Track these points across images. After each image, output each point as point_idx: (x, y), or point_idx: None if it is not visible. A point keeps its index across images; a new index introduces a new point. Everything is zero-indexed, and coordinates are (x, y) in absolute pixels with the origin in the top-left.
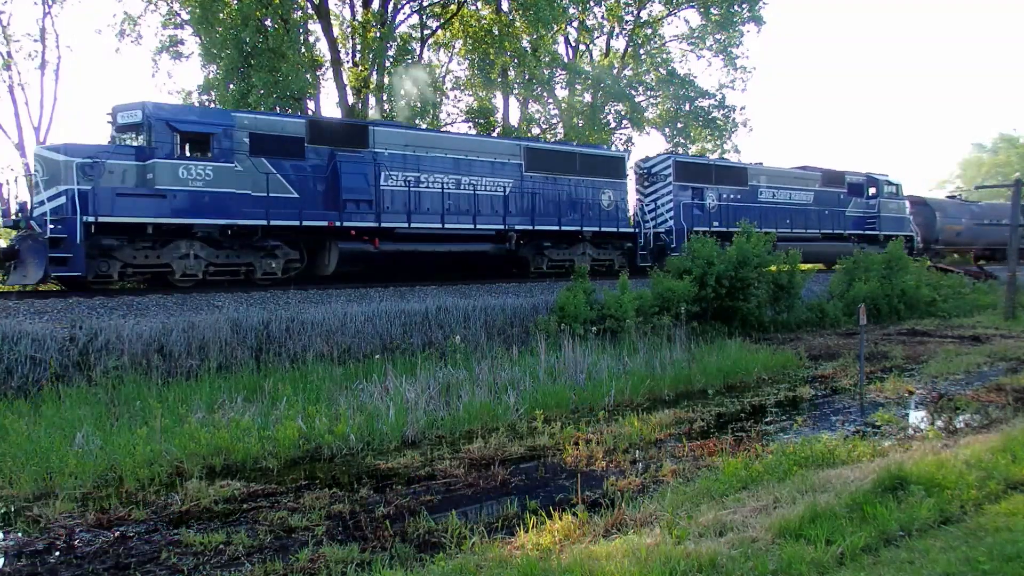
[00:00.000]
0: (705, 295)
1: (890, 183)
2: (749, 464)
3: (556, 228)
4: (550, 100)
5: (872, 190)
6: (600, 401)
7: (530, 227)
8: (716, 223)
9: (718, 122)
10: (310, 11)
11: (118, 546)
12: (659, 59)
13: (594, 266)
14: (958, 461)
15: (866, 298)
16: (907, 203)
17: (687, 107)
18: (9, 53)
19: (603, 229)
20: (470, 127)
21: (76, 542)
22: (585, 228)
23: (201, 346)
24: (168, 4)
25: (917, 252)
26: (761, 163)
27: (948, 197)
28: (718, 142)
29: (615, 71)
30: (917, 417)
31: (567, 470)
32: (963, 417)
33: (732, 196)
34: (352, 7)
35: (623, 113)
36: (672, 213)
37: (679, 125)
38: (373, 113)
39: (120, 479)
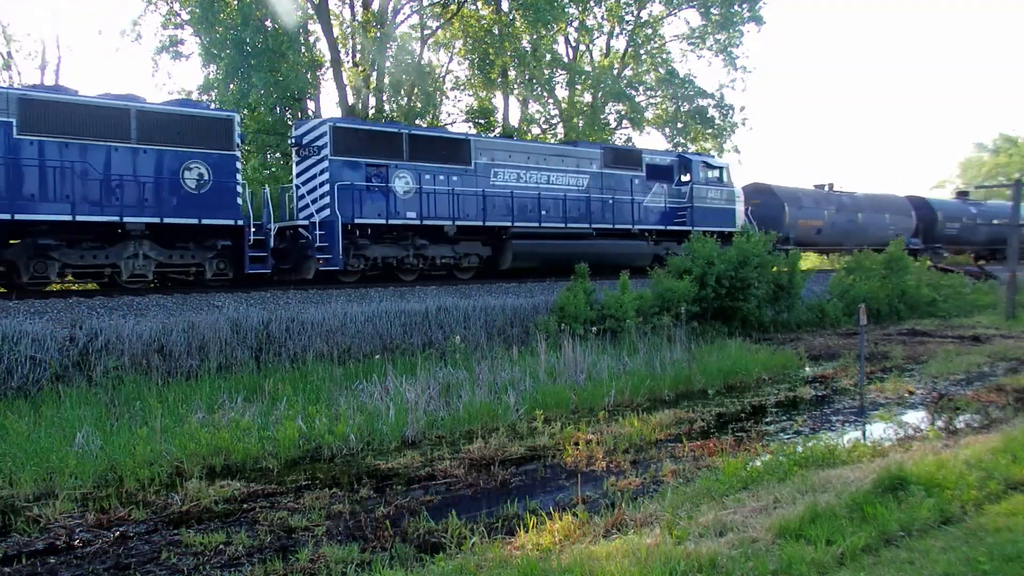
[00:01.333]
0: (705, 295)
1: (710, 165)
2: (749, 464)
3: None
4: (550, 100)
5: (684, 175)
6: (600, 401)
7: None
8: (411, 213)
9: (717, 122)
10: (310, 11)
11: (118, 546)
12: (659, 59)
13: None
14: (958, 461)
15: (866, 298)
16: (739, 191)
17: (686, 107)
18: (9, 53)
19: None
20: (470, 127)
21: (76, 542)
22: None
23: (201, 346)
24: (168, 4)
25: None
26: (510, 137)
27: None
28: (717, 141)
29: (615, 71)
30: (917, 417)
31: (567, 470)
32: (963, 417)
33: (443, 178)
34: (352, 7)
35: (623, 113)
36: (328, 200)
37: (679, 125)
38: (373, 113)
39: (120, 479)
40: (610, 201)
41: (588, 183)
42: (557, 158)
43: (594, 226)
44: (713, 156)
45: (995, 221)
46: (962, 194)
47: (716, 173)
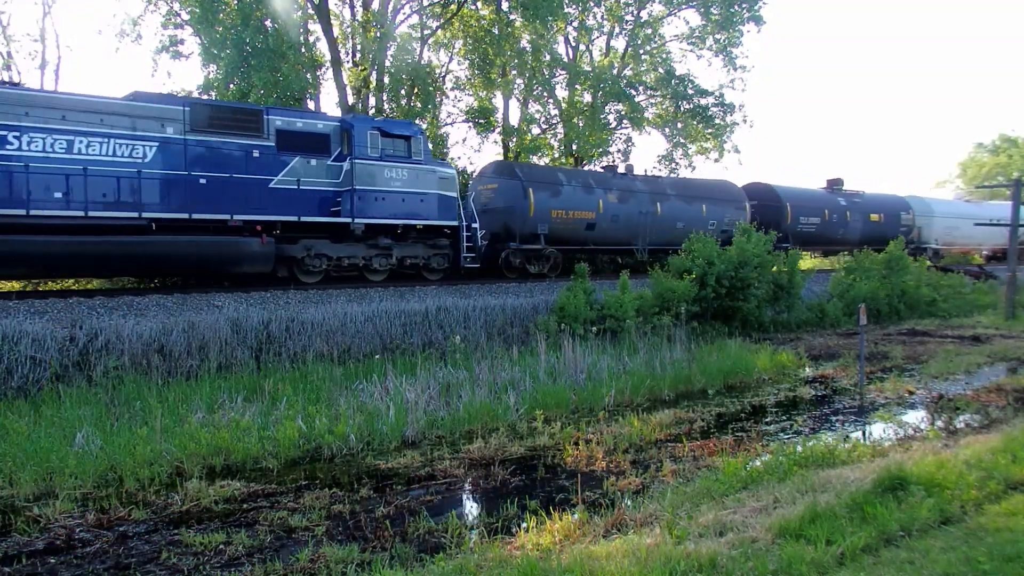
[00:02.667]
0: (705, 295)
1: (388, 133)
2: (749, 464)
3: None
4: (550, 100)
5: (341, 146)
6: (600, 401)
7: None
8: None
9: (717, 121)
10: (310, 11)
11: (118, 546)
12: (659, 59)
13: None
14: (958, 461)
15: (866, 298)
16: (447, 172)
17: (686, 106)
18: (9, 53)
19: None
20: (469, 127)
21: (76, 542)
22: None
23: (201, 346)
24: (168, 4)
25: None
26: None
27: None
28: (717, 140)
29: (615, 71)
30: (917, 417)
31: (567, 470)
32: (963, 417)
33: None
34: (352, 7)
35: (623, 113)
36: None
37: (679, 125)
38: (372, 113)
39: (120, 479)
40: (201, 181)
41: (155, 154)
42: (111, 118)
43: (153, 215)
44: (407, 122)
45: (874, 217)
46: (833, 183)
47: (401, 146)
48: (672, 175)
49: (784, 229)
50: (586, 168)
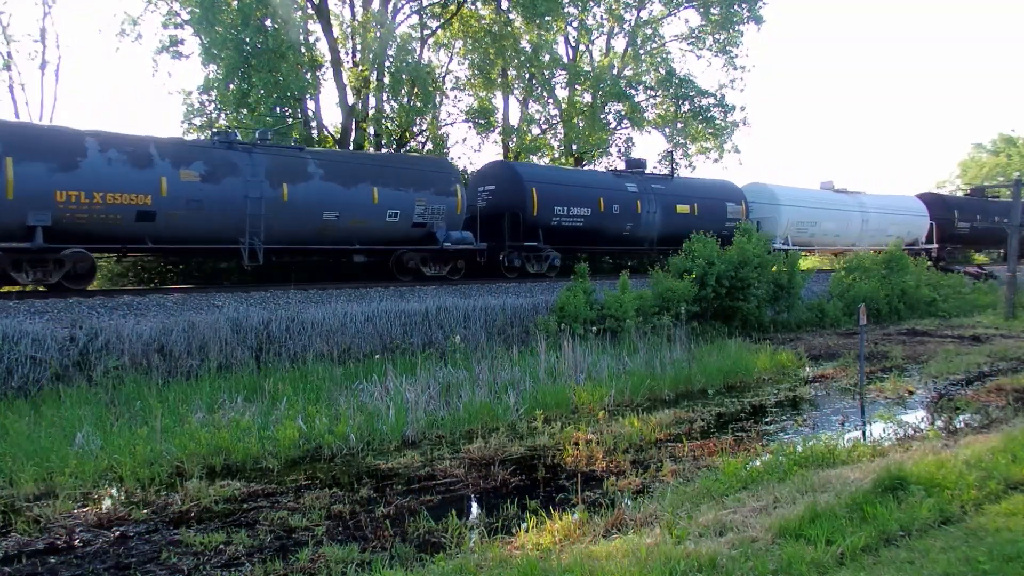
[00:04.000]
0: (705, 295)
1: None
2: (749, 464)
3: None
4: (550, 100)
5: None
6: (600, 401)
7: None
8: None
9: (717, 121)
10: (310, 11)
11: (118, 546)
12: (659, 59)
13: None
14: (958, 461)
15: (866, 298)
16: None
17: (686, 106)
18: (9, 53)
19: None
20: (469, 127)
21: (76, 542)
22: None
23: (201, 346)
24: (168, 4)
25: None
26: None
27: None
28: (717, 141)
29: (615, 71)
30: (917, 417)
31: (567, 470)
32: (963, 417)
33: None
34: (352, 7)
35: (623, 113)
36: None
37: (679, 125)
38: (373, 113)
39: (120, 479)
40: None
41: None
42: None
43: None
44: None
45: (682, 208)
46: (634, 164)
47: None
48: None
49: (529, 222)
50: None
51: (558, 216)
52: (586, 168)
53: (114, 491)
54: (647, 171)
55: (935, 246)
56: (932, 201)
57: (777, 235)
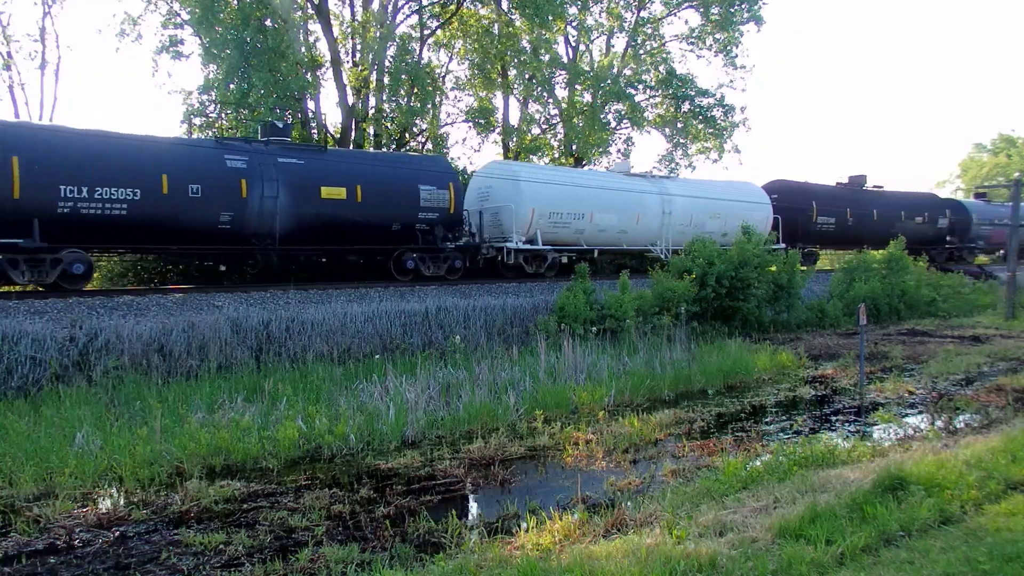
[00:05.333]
0: (705, 295)
1: None
2: (749, 464)
3: None
4: (550, 100)
5: None
6: (600, 401)
7: None
8: None
9: (717, 121)
10: (310, 11)
11: (118, 546)
12: (659, 59)
13: None
14: (958, 461)
15: (866, 298)
16: None
17: (686, 106)
18: (9, 53)
19: None
20: (469, 127)
21: (76, 542)
22: None
23: (201, 346)
24: (168, 4)
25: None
26: None
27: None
28: (718, 141)
29: (615, 71)
30: (917, 417)
31: (567, 470)
32: (963, 417)
33: None
34: (352, 7)
35: (623, 113)
36: None
37: (679, 125)
38: (373, 113)
39: (120, 479)
40: None
41: None
42: None
43: None
44: None
45: (331, 193)
46: (272, 131)
47: None
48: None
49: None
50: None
51: (71, 200)
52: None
53: (114, 491)
54: (280, 139)
55: (782, 246)
56: (780, 189)
57: (514, 230)
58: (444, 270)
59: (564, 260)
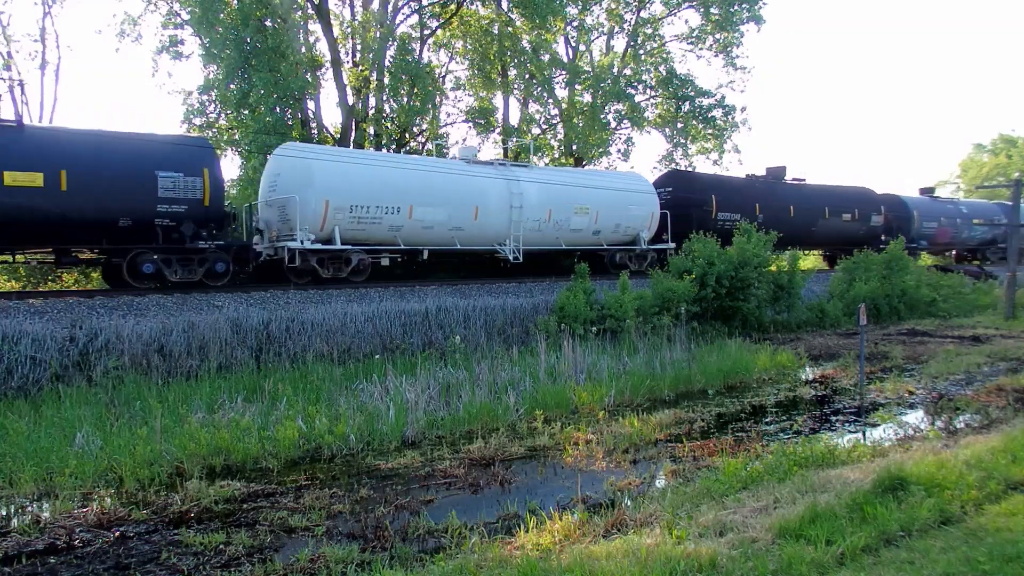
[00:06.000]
0: (705, 295)
1: None
2: (749, 464)
3: None
4: (550, 100)
5: None
6: (600, 401)
7: None
8: None
9: (718, 121)
10: (310, 11)
11: (118, 546)
12: (659, 59)
13: None
14: (958, 461)
15: (866, 298)
16: None
17: (687, 106)
18: (9, 53)
19: None
20: (469, 127)
21: (76, 542)
22: None
23: (201, 346)
24: (168, 4)
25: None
26: None
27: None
28: (718, 141)
29: (615, 71)
30: (917, 417)
31: (567, 470)
32: (963, 417)
33: None
34: (352, 7)
35: (623, 113)
36: None
37: (679, 125)
38: (373, 113)
39: (120, 479)
40: None
41: None
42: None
43: None
44: None
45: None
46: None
47: None
48: None
49: None
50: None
51: None
52: None
53: (114, 491)
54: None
55: (670, 246)
56: (674, 181)
57: (300, 226)
58: (200, 275)
59: (384, 262)
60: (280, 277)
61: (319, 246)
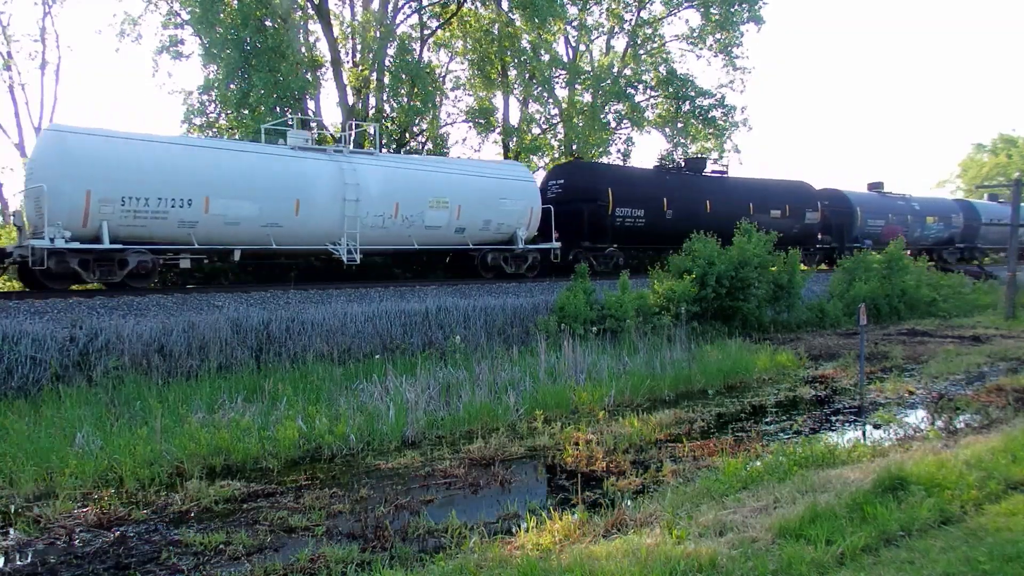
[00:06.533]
0: (705, 295)
1: None
2: (749, 464)
3: None
4: (550, 100)
5: None
6: (600, 401)
7: None
8: None
9: (718, 121)
10: (310, 11)
11: (118, 546)
12: (659, 59)
13: None
14: (958, 461)
15: (866, 298)
16: None
17: (687, 106)
18: (9, 53)
19: None
20: (469, 127)
21: (76, 542)
22: None
23: (201, 346)
24: (168, 4)
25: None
26: None
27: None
28: (718, 141)
29: (615, 71)
30: (917, 417)
31: (567, 470)
32: (963, 417)
33: None
34: (352, 7)
35: (623, 113)
36: None
37: (679, 125)
38: (373, 113)
39: (120, 479)
40: None
41: None
42: None
43: None
44: None
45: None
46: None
47: None
48: None
49: None
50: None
51: None
52: None
53: (114, 491)
54: None
55: (556, 245)
56: (566, 172)
57: (50, 221)
58: None
59: (184, 264)
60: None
61: (79, 245)
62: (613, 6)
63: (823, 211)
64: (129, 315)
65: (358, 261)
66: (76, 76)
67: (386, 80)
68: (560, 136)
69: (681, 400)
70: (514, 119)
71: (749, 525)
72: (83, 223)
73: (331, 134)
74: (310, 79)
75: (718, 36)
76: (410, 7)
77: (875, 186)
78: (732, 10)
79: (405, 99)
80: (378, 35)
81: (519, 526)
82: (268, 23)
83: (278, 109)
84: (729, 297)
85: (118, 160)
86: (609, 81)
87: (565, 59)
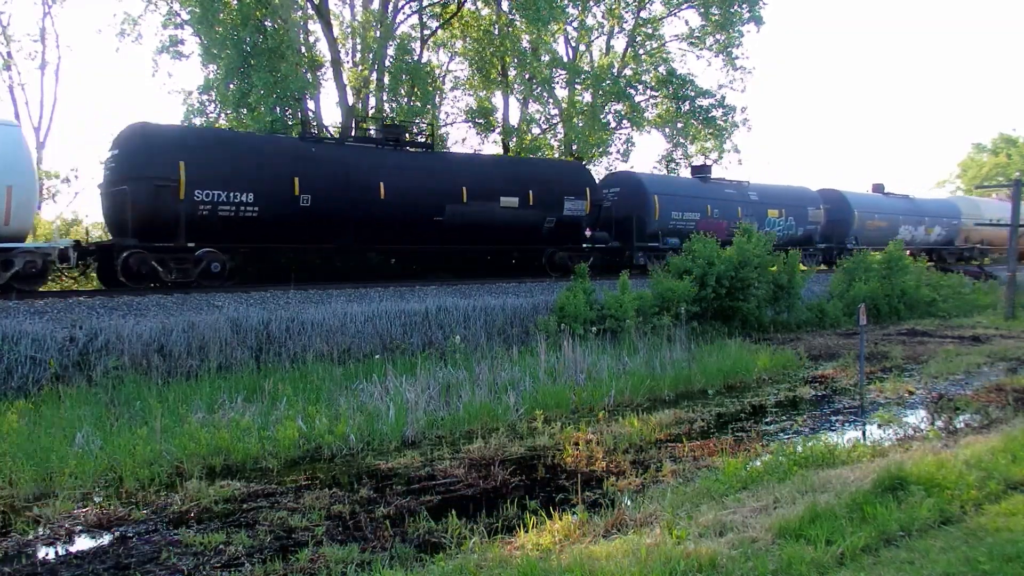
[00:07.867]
0: (705, 295)
1: None
2: (749, 464)
3: None
4: (550, 100)
5: None
6: (600, 401)
7: None
8: None
9: (717, 121)
10: (310, 11)
11: (118, 546)
12: (659, 59)
13: None
14: (958, 461)
15: (866, 298)
16: None
17: (687, 106)
18: (9, 53)
19: None
20: (469, 127)
21: (76, 542)
22: None
23: (201, 346)
24: (168, 4)
25: None
26: None
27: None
28: (718, 142)
29: (615, 71)
30: (917, 417)
31: (567, 470)
32: (963, 417)
33: None
34: (352, 7)
35: (623, 113)
36: None
37: (679, 125)
38: (373, 113)
39: (120, 479)
40: None
41: None
42: None
43: None
44: None
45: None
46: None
47: None
48: None
49: None
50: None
51: None
52: None
53: (114, 491)
54: None
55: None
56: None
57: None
58: None
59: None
60: None
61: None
62: (613, 6)
63: (590, 198)
64: (129, 315)
65: None
66: (76, 76)
67: (386, 80)
68: (560, 136)
69: (681, 400)
70: (514, 119)
71: (749, 525)
72: None
73: (331, 134)
74: (310, 79)
75: (718, 36)
76: (410, 7)
77: (697, 170)
78: (732, 10)
79: (405, 99)
80: (378, 35)
81: (519, 526)
82: (268, 23)
83: (278, 109)
84: (729, 297)
85: None
86: (609, 81)
87: (565, 59)
